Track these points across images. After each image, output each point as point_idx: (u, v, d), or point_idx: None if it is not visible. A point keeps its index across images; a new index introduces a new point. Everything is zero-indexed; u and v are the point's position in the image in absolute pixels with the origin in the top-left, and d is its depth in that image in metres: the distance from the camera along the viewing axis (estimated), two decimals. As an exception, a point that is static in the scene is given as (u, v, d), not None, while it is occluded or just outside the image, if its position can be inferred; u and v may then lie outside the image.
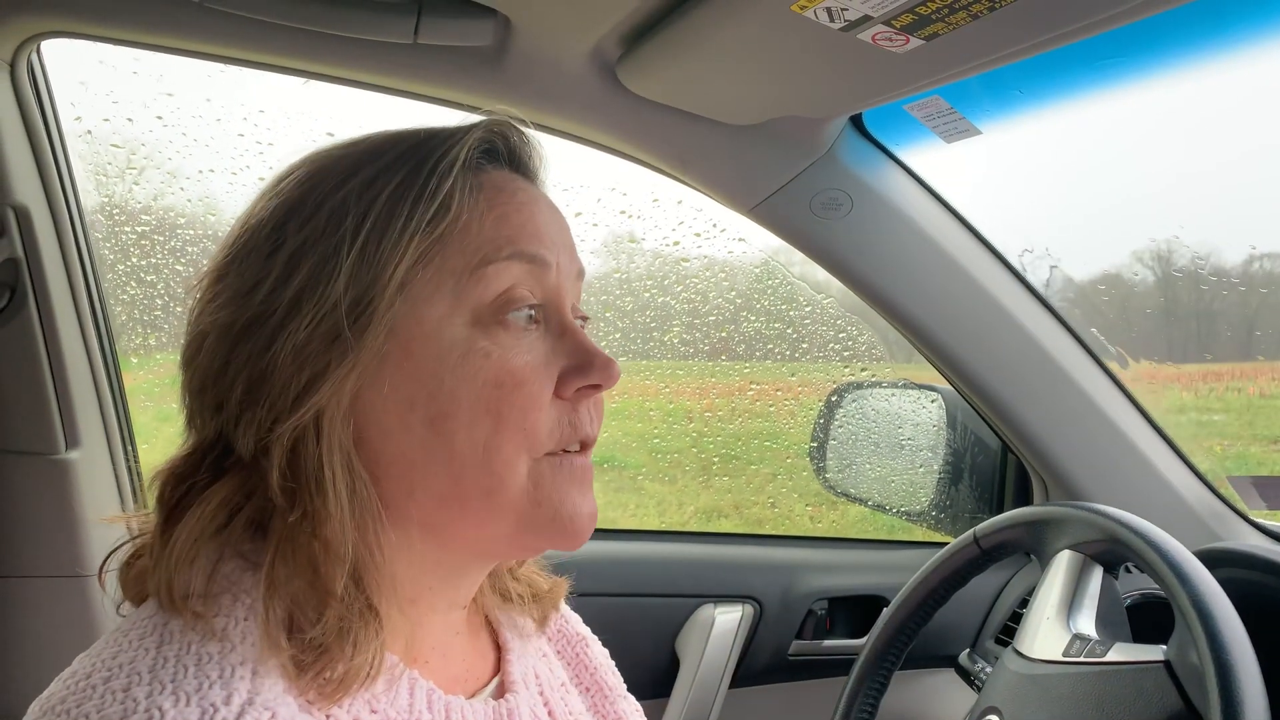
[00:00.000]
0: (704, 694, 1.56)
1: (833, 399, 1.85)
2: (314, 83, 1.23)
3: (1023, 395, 1.48)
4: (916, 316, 1.43)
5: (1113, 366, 1.49)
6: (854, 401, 1.87)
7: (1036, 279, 1.46)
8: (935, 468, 1.79)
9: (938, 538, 1.81)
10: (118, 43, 1.18)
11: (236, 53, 1.18)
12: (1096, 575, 1.07)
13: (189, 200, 1.83)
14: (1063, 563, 1.08)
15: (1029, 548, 1.15)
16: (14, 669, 1.32)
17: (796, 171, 1.31)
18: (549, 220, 0.69)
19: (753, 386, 3.04)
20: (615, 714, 0.87)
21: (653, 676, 1.60)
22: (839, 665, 1.65)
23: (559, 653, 0.88)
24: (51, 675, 0.57)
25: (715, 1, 0.90)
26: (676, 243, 2.19)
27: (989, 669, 1.46)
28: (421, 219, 0.62)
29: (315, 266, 0.61)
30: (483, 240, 0.64)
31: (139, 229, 1.83)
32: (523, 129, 0.72)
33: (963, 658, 1.55)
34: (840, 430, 1.84)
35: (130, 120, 1.63)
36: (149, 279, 1.85)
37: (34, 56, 1.27)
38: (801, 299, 2.52)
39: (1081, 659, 1.00)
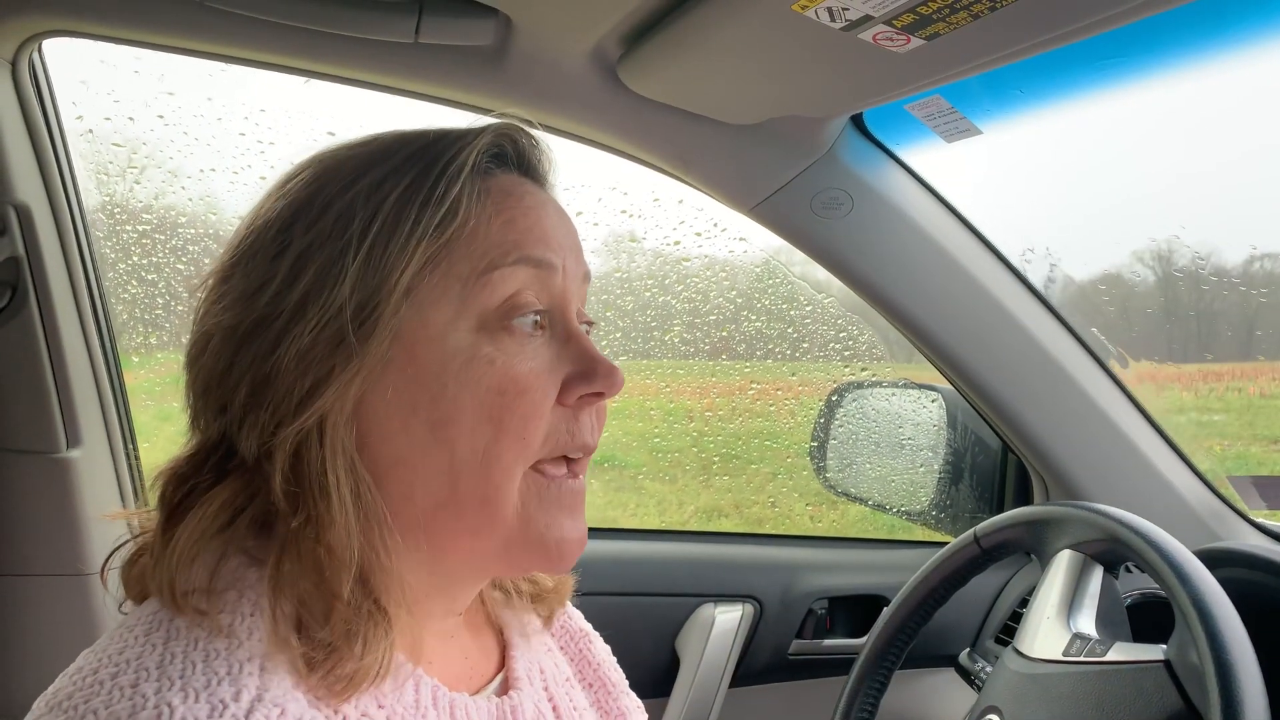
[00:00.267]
0: (704, 693, 1.56)
1: (833, 398, 1.85)
2: (315, 82, 1.24)
3: (1023, 395, 1.48)
4: (917, 316, 1.43)
5: (1113, 366, 1.49)
6: (854, 401, 1.87)
7: (1037, 278, 1.46)
8: (935, 467, 1.79)
9: (938, 537, 1.81)
10: (119, 42, 1.18)
11: (238, 52, 1.18)
12: (1097, 575, 1.07)
13: (190, 199, 1.83)
14: (1063, 562, 1.08)
15: (1029, 547, 1.15)
16: (15, 667, 1.32)
17: (797, 171, 1.31)
18: (556, 224, 0.68)
19: (753, 386, 3.04)
20: (618, 710, 0.87)
21: (653, 676, 1.60)
22: (839, 665, 1.65)
23: (563, 648, 0.88)
24: (53, 673, 0.56)
25: (716, 1, 0.90)
26: (677, 242, 2.19)
27: (989, 668, 1.47)
28: (429, 224, 0.61)
29: (321, 270, 0.60)
30: (489, 245, 0.64)
31: (140, 228, 1.83)
32: (532, 132, 0.72)
33: (963, 657, 1.55)
34: (841, 430, 1.84)
35: (131, 119, 1.64)
36: (150, 278, 1.85)
37: (35, 55, 1.27)
38: (802, 298, 2.52)
39: (1082, 658, 1.00)
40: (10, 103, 1.25)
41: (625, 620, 1.58)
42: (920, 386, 1.82)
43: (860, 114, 1.32)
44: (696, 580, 1.63)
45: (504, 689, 0.74)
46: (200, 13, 1.08)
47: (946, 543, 1.23)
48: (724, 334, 2.80)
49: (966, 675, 1.52)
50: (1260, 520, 1.50)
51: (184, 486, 0.61)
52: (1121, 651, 0.97)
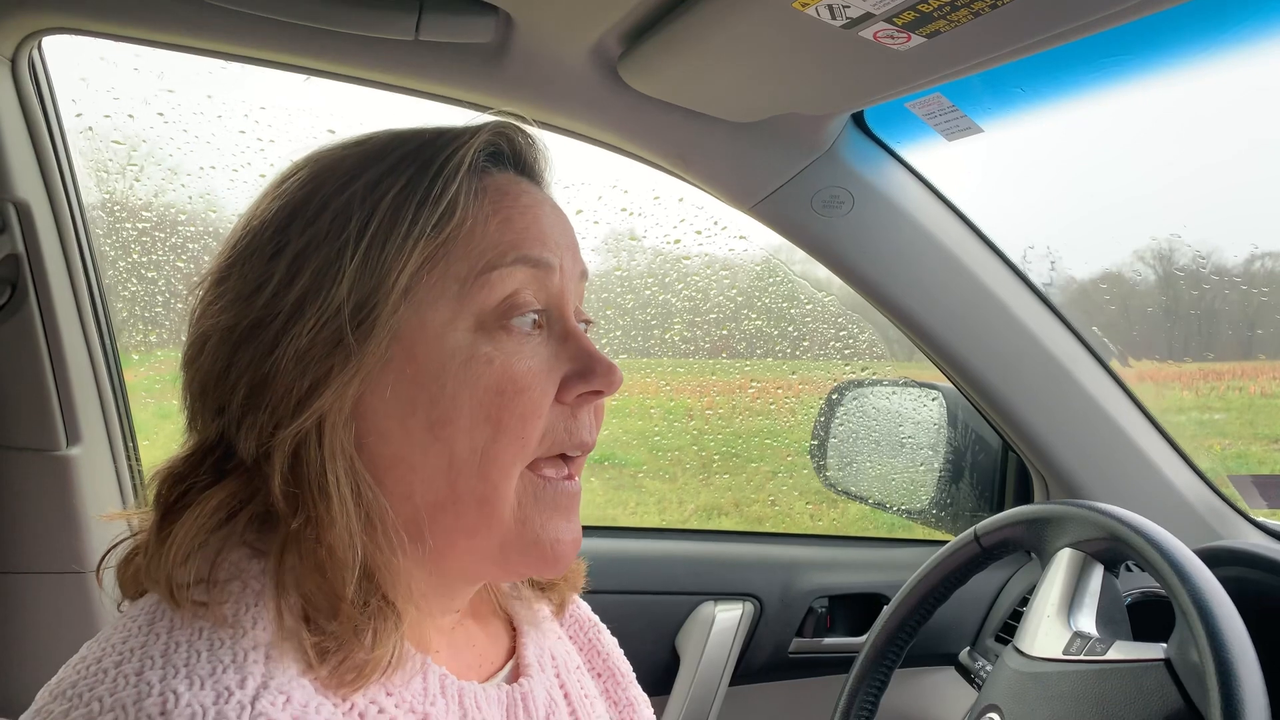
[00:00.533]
0: (704, 691, 1.56)
1: (833, 397, 1.85)
2: (315, 79, 1.23)
3: (1023, 393, 1.48)
4: (917, 314, 1.43)
5: (1114, 365, 1.49)
6: (855, 399, 1.87)
7: (1037, 277, 1.46)
8: (936, 466, 1.79)
9: (938, 536, 1.81)
10: (119, 39, 1.18)
11: (238, 49, 1.18)
12: (1097, 573, 1.07)
13: (190, 197, 1.83)
14: (1063, 561, 1.08)
15: (1030, 546, 1.15)
16: (15, 664, 1.32)
17: (798, 169, 1.31)
18: (553, 223, 0.68)
19: (753, 384, 3.04)
20: (627, 700, 0.87)
21: (653, 674, 1.60)
22: (839, 663, 1.65)
23: (572, 638, 0.88)
24: (52, 670, 0.56)
25: (717, -2, 0.90)
26: (677, 240, 2.19)
27: (989, 667, 1.47)
28: (426, 223, 0.61)
29: (318, 270, 0.60)
30: (487, 245, 0.64)
31: (140, 225, 1.83)
32: (528, 130, 0.72)
33: (963, 656, 1.55)
34: (841, 428, 1.84)
35: (131, 117, 1.63)
36: (150, 275, 1.85)
37: (35, 53, 1.27)
38: (802, 297, 2.52)
39: (1082, 657, 1.00)
40: (10, 100, 1.25)
41: (625, 618, 1.58)
42: (921, 385, 1.82)
43: (861, 112, 1.32)
44: (697, 579, 1.63)
45: (514, 676, 0.74)
46: (200, 10, 1.07)
47: (947, 541, 1.23)
48: (724, 332, 2.80)
49: (967, 674, 1.52)
50: (1261, 519, 1.50)
51: (180, 486, 0.61)
52: (1122, 650, 0.97)
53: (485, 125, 0.68)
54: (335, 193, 0.63)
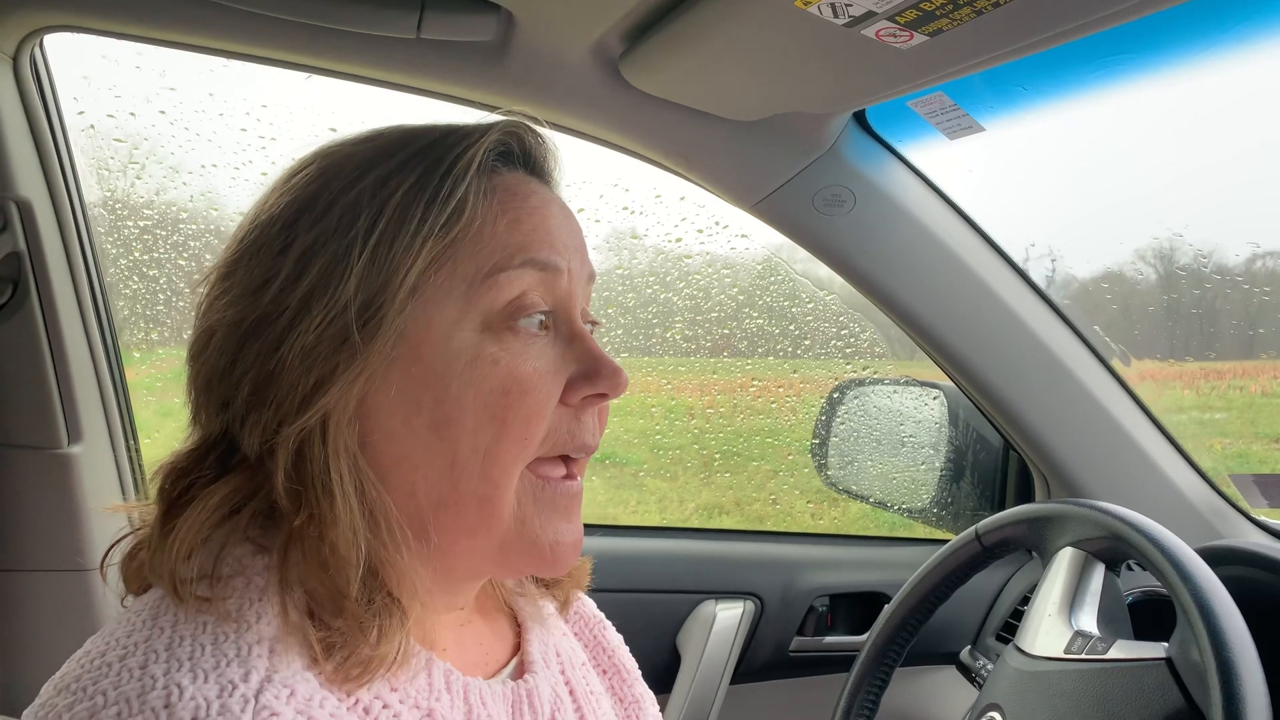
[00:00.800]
0: (705, 690, 1.56)
1: (834, 396, 1.85)
2: (317, 78, 1.23)
3: (1025, 392, 1.47)
4: (919, 313, 1.42)
5: (1115, 364, 1.49)
6: (856, 398, 1.87)
7: (1039, 276, 1.46)
8: (937, 465, 1.79)
9: (939, 535, 1.81)
10: (121, 37, 1.18)
11: (239, 47, 1.18)
12: (1098, 572, 1.07)
13: (191, 195, 1.83)
14: (1064, 560, 1.08)
15: (1031, 545, 1.15)
16: (16, 662, 1.32)
17: (800, 167, 1.31)
18: (561, 224, 0.68)
19: (755, 383, 3.04)
20: (632, 696, 0.87)
21: (654, 672, 1.60)
22: (840, 662, 1.65)
23: (577, 634, 0.88)
24: (54, 668, 0.56)
25: (719, -3, 0.90)
26: (679, 239, 2.19)
27: (990, 666, 1.47)
28: (435, 222, 0.61)
29: (326, 267, 0.60)
30: (495, 246, 0.63)
31: (141, 223, 1.83)
32: (539, 130, 0.71)
33: (964, 655, 1.55)
34: (842, 427, 1.84)
35: (133, 114, 1.63)
36: (151, 274, 1.85)
37: (37, 51, 1.27)
38: (804, 295, 2.52)
39: (1083, 656, 1.00)
40: (12, 98, 1.25)
41: (626, 617, 1.57)
42: (922, 384, 1.82)
43: (863, 110, 1.31)
44: (697, 577, 1.63)
45: (519, 672, 0.74)
46: (202, 8, 1.07)
47: (948, 540, 1.23)
48: (725, 331, 2.80)
49: (968, 673, 1.52)
50: (1262, 518, 1.50)
51: (184, 481, 0.61)
52: (1123, 649, 0.97)
53: (496, 124, 0.68)
54: (344, 189, 0.62)
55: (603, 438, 0.71)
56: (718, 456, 3.24)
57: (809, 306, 2.52)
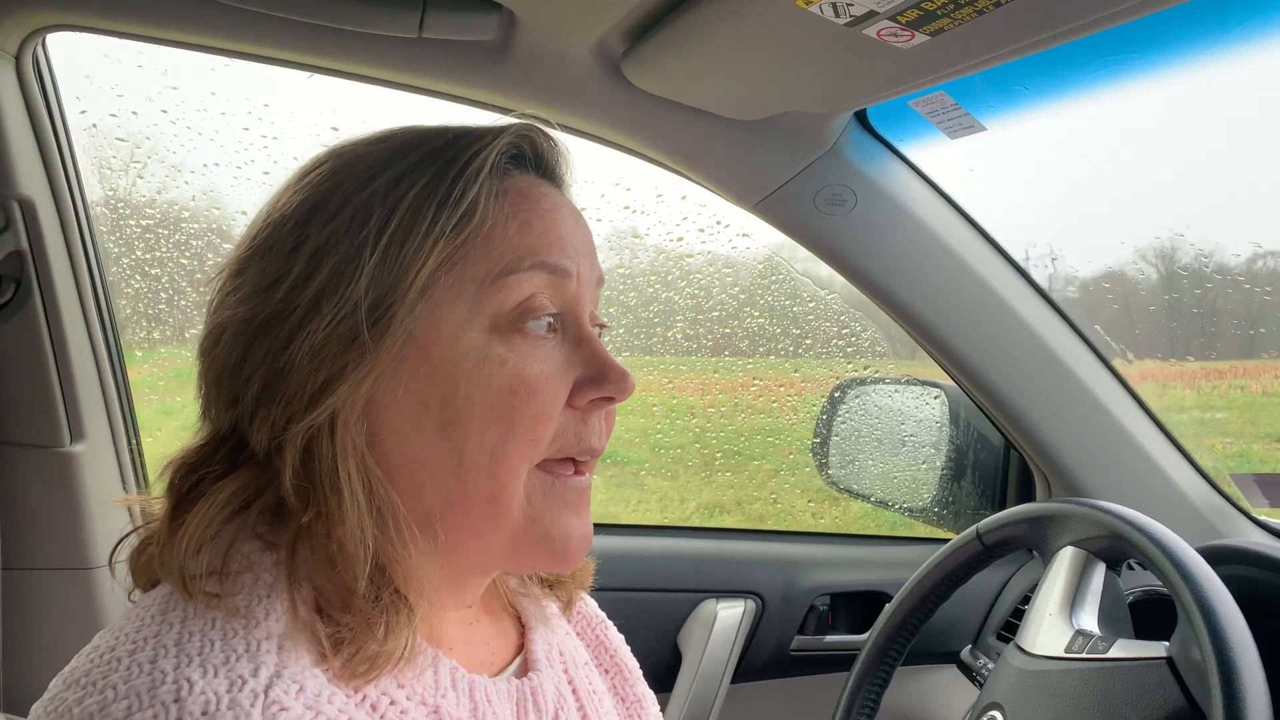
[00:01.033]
0: (706, 689, 1.56)
1: (835, 395, 1.85)
2: (319, 77, 1.23)
3: (1026, 391, 1.48)
4: (920, 312, 1.43)
5: (1116, 363, 1.49)
6: (857, 398, 1.87)
7: (1040, 275, 1.46)
8: (938, 464, 1.79)
9: (940, 534, 1.81)
10: (123, 36, 1.18)
11: (241, 46, 1.18)
12: (1099, 572, 1.07)
13: (193, 195, 1.83)
14: (1065, 559, 1.08)
15: (1032, 544, 1.15)
16: (19, 660, 1.32)
17: (801, 167, 1.31)
18: (572, 228, 0.69)
19: (756, 382, 3.04)
20: (634, 696, 0.87)
21: (655, 671, 1.60)
22: (841, 661, 1.65)
23: (579, 634, 0.89)
24: (57, 666, 0.57)
25: (720, -4, 0.90)
26: (680, 238, 2.19)
27: (991, 665, 1.47)
28: (446, 224, 0.61)
29: (337, 266, 0.60)
30: (506, 248, 0.64)
31: (143, 222, 1.83)
32: (551, 133, 0.72)
33: (965, 654, 1.55)
34: (843, 426, 1.84)
35: (135, 114, 1.64)
36: (153, 272, 1.86)
37: (39, 50, 1.27)
38: (805, 295, 2.52)
39: (1084, 655, 1.00)
40: (14, 97, 1.25)
41: (627, 616, 1.57)
42: (923, 383, 1.82)
43: (864, 110, 1.32)
44: (698, 576, 1.63)
45: (523, 670, 0.74)
46: (204, 7, 1.08)
47: (949, 539, 1.23)
48: (727, 330, 2.80)
49: (968, 672, 1.52)
50: (1262, 518, 1.50)
51: (193, 475, 0.62)
52: (1124, 649, 0.97)
53: (509, 127, 0.68)
54: (357, 189, 0.63)
55: (604, 437, 0.72)
56: (719, 455, 3.24)
57: (810, 306, 2.52)
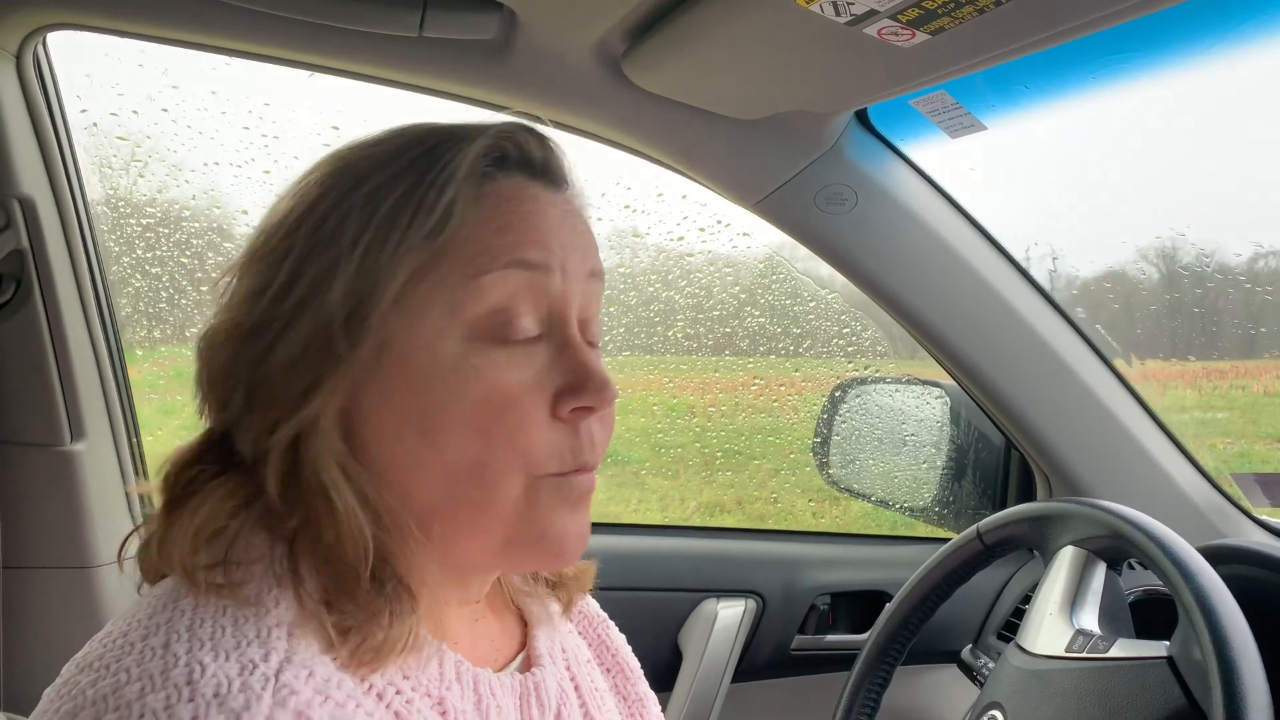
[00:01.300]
0: (706, 688, 1.56)
1: (836, 394, 1.85)
2: (319, 75, 1.23)
3: (1027, 391, 1.47)
4: (921, 312, 1.42)
5: (1117, 363, 1.49)
6: (857, 397, 1.86)
7: (1041, 275, 1.46)
8: (939, 463, 1.79)
9: (941, 533, 1.81)
10: (124, 35, 1.18)
11: (242, 45, 1.18)
12: (1100, 571, 1.07)
13: (194, 194, 1.83)
14: (1066, 558, 1.08)
15: (1032, 543, 1.15)
16: (20, 659, 1.33)
17: (801, 166, 1.31)
18: (559, 224, 0.66)
19: (756, 382, 3.04)
20: (636, 695, 0.87)
21: (655, 671, 1.59)
22: (841, 660, 1.65)
23: (581, 633, 0.89)
24: (58, 665, 0.57)
25: (721, -5, 0.90)
26: (681, 238, 2.19)
27: (991, 665, 1.47)
28: (419, 232, 0.61)
29: (316, 277, 0.60)
30: (480, 250, 0.62)
31: (144, 221, 1.83)
32: (542, 131, 0.70)
33: (965, 653, 1.55)
34: (843, 426, 1.84)
35: (136, 113, 1.64)
36: (154, 271, 1.86)
37: (40, 48, 1.27)
38: (806, 294, 2.52)
39: (1084, 655, 1.00)
40: (15, 96, 1.25)
41: (628, 615, 1.57)
42: (923, 382, 1.82)
43: (865, 109, 1.31)
44: (699, 576, 1.63)
45: (526, 666, 0.74)
46: (205, 6, 1.08)
47: (949, 539, 1.23)
48: (727, 330, 2.80)
49: (969, 671, 1.52)
50: (1264, 517, 1.50)
51: (189, 472, 0.62)
52: (1124, 648, 0.97)
53: (486, 129, 0.67)
54: (341, 198, 0.63)
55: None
56: (719, 455, 3.24)
57: (811, 305, 2.52)
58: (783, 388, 2.96)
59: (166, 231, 1.84)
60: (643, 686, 0.89)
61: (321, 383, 0.59)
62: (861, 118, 1.33)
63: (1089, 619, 1.04)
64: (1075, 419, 1.48)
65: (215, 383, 0.63)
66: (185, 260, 1.86)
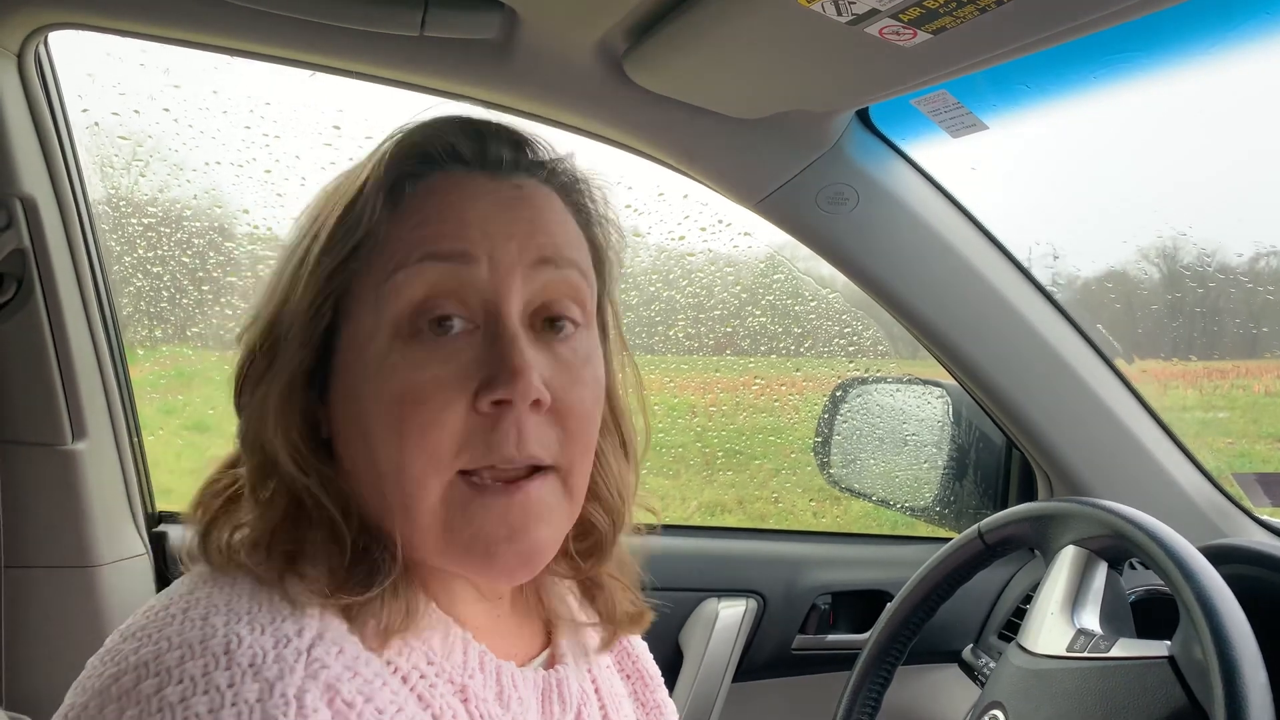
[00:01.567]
0: (707, 688, 1.56)
1: (837, 394, 1.85)
2: (320, 75, 1.24)
3: (1028, 391, 1.47)
4: (921, 311, 1.42)
5: (1118, 363, 1.49)
6: (858, 397, 1.86)
7: (1042, 274, 1.46)
8: (939, 463, 1.78)
9: (942, 533, 1.81)
10: (125, 35, 1.18)
11: (243, 45, 1.18)
12: (1101, 571, 1.07)
13: (195, 193, 1.83)
14: (1067, 558, 1.08)
15: (1034, 543, 1.15)
16: (21, 658, 1.32)
17: (803, 166, 1.31)
18: (487, 213, 0.64)
19: (757, 381, 3.04)
20: (655, 702, 0.88)
21: (656, 670, 1.60)
22: (842, 660, 1.65)
23: None
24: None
25: (722, -6, 0.90)
26: (682, 237, 2.19)
27: (992, 664, 1.47)
28: (345, 245, 0.63)
29: (281, 295, 0.65)
30: (397, 249, 0.62)
31: (145, 221, 1.83)
32: (477, 120, 0.69)
33: (966, 653, 1.55)
34: (844, 425, 1.84)
35: (137, 112, 1.64)
36: (155, 271, 1.86)
37: (41, 48, 1.27)
38: (807, 294, 2.52)
39: (1085, 654, 1.00)
40: (16, 95, 1.25)
41: (628, 614, 1.58)
42: (924, 382, 1.82)
43: (866, 108, 1.31)
44: (700, 575, 1.63)
45: (549, 664, 0.75)
46: (206, 6, 1.08)
47: (950, 538, 1.23)
48: (728, 329, 2.80)
49: (970, 671, 1.52)
50: (1265, 517, 1.49)
51: (228, 475, 0.69)
52: (1125, 648, 0.97)
53: (394, 132, 0.67)
54: (311, 221, 0.67)
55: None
56: (720, 455, 3.24)
57: (812, 305, 2.52)
58: (784, 387, 2.96)
59: (168, 231, 1.84)
60: (661, 694, 0.89)
61: (275, 395, 0.64)
62: (863, 117, 1.33)
63: (1090, 619, 1.04)
64: (1076, 419, 1.48)
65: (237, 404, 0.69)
66: (187, 259, 1.86)
